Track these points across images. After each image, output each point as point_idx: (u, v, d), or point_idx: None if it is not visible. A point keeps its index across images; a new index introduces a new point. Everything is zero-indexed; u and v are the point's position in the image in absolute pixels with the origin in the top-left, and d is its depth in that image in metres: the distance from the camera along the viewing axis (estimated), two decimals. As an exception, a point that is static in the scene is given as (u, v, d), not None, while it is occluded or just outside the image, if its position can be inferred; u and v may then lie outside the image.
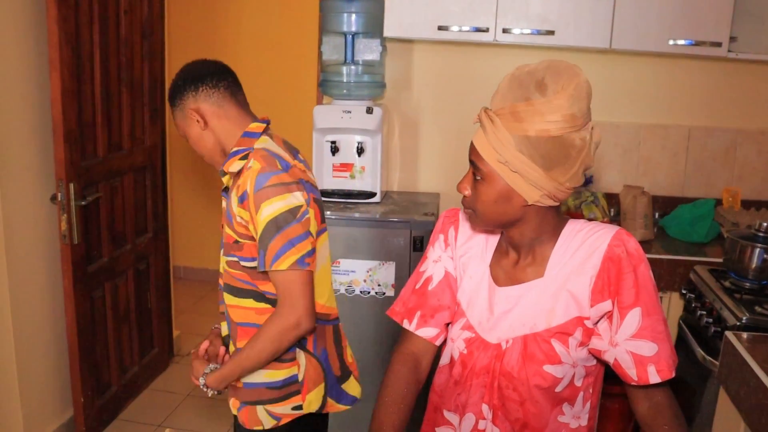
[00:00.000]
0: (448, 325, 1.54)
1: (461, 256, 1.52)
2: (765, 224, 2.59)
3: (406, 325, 1.55)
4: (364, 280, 3.05)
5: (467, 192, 1.37)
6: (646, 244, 3.06)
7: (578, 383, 1.43)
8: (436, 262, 1.55)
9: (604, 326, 1.37)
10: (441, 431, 1.55)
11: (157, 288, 4.04)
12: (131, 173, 3.66)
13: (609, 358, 1.37)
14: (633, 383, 1.37)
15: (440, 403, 1.56)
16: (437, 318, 1.53)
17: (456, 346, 1.49)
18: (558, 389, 1.40)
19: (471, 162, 1.34)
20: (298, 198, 1.76)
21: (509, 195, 1.32)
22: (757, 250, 2.52)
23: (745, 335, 2.14)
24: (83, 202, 3.14)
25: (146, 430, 3.55)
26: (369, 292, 3.07)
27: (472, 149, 1.33)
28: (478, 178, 1.33)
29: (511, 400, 1.42)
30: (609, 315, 1.35)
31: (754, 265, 2.53)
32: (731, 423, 2.09)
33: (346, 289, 3.08)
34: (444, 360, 1.55)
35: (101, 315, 3.45)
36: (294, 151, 1.96)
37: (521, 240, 1.41)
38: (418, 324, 1.53)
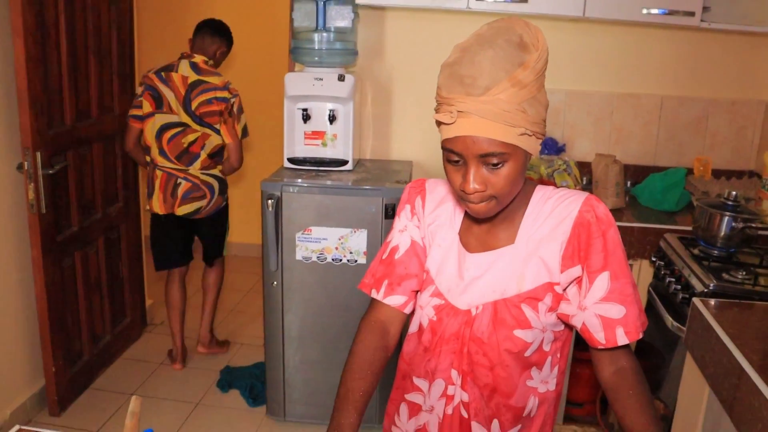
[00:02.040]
0: (416, 293, 1.53)
1: (429, 224, 1.51)
2: (734, 193, 2.61)
3: (374, 294, 1.54)
4: (336, 248, 3.05)
5: (482, 187, 1.27)
6: (617, 212, 3.08)
7: (547, 348, 1.44)
8: (402, 232, 1.54)
9: (573, 291, 1.37)
10: (410, 397, 1.55)
11: (129, 257, 4.00)
12: (100, 142, 3.60)
13: (577, 322, 1.38)
14: (600, 347, 1.37)
15: (409, 371, 1.56)
16: (404, 286, 1.52)
17: (425, 314, 1.49)
18: (527, 354, 1.41)
19: (480, 156, 1.24)
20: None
21: (526, 161, 1.30)
22: (726, 219, 2.54)
23: (712, 302, 2.17)
24: (51, 171, 3.09)
25: (120, 399, 3.55)
26: (341, 260, 3.07)
27: (477, 143, 1.23)
28: (497, 163, 1.25)
29: (481, 366, 1.42)
30: (578, 280, 1.36)
31: (722, 234, 2.56)
32: (697, 387, 2.13)
33: (317, 257, 3.07)
34: (413, 327, 1.55)
35: (72, 284, 3.42)
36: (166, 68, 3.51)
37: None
38: (386, 292, 1.52)
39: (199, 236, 3.86)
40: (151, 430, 1.28)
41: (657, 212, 3.19)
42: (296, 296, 3.14)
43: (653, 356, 2.72)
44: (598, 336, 1.36)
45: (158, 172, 3.54)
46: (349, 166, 3.27)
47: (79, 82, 3.36)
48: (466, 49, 1.23)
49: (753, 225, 2.57)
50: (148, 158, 3.61)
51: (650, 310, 2.78)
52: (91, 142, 3.51)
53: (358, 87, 3.34)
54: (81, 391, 3.58)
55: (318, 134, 3.28)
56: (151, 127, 3.49)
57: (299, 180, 3.06)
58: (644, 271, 2.94)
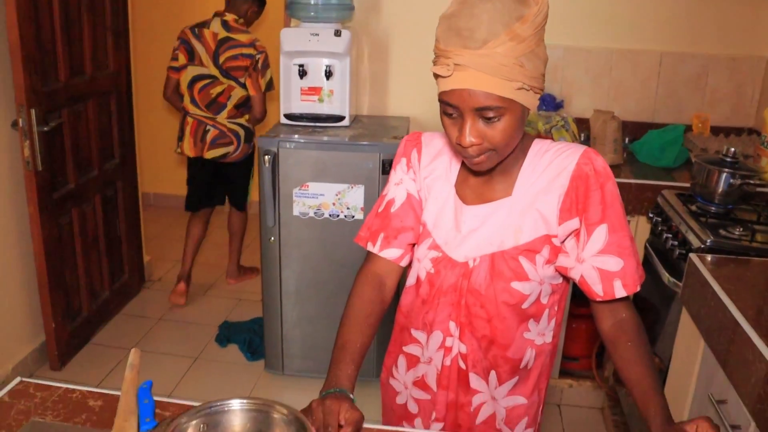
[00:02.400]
0: (413, 246, 1.54)
1: (425, 177, 1.50)
2: (733, 150, 2.60)
3: (369, 247, 1.54)
4: (333, 204, 3.05)
5: (478, 140, 1.26)
6: (615, 169, 3.08)
7: (544, 301, 1.45)
8: (397, 185, 1.53)
9: (571, 244, 1.38)
10: (408, 349, 1.57)
11: (126, 214, 4.00)
12: (95, 98, 3.57)
13: (575, 275, 1.38)
14: (598, 299, 1.38)
15: (407, 323, 1.57)
16: (400, 239, 1.52)
17: (423, 266, 1.49)
18: (524, 306, 1.42)
19: (476, 110, 1.23)
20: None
21: (524, 115, 1.29)
22: (724, 175, 2.54)
23: (708, 257, 2.18)
24: (45, 128, 3.07)
25: (119, 354, 3.58)
26: (338, 216, 3.07)
27: (473, 96, 1.21)
28: (492, 117, 1.23)
29: (478, 318, 1.43)
30: (576, 233, 1.36)
31: (720, 190, 2.55)
32: (692, 342, 2.15)
33: (315, 213, 3.07)
34: (410, 280, 1.55)
35: (69, 241, 3.42)
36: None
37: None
38: (382, 245, 1.52)
39: (226, 181, 4.13)
40: (150, 382, 1.29)
41: (655, 169, 3.18)
42: (294, 252, 3.15)
43: (649, 312, 2.74)
44: (596, 288, 1.37)
45: (189, 119, 3.88)
46: (345, 122, 3.25)
47: (73, 39, 3.32)
48: (465, 2, 1.21)
49: (751, 182, 2.56)
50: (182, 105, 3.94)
51: (647, 266, 2.78)
52: (86, 99, 3.49)
53: (355, 42, 3.31)
54: (81, 346, 3.61)
55: (314, 90, 3.26)
56: (184, 78, 3.83)
57: (296, 136, 3.04)
58: (641, 227, 2.95)
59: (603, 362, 3.28)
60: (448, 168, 1.49)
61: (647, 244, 2.78)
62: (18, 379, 1.37)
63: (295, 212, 3.08)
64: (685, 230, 2.44)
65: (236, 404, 1.19)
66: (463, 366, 1.48)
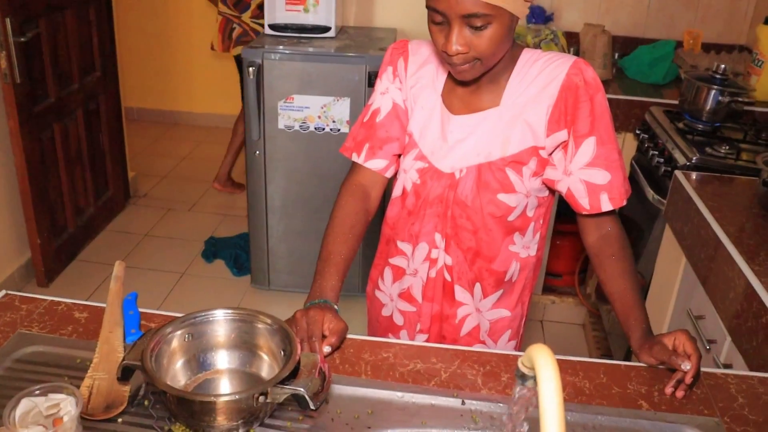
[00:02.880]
0: (398, 157, 1.53)
1: (412, 86, 1.47)
2: (723, 66, 2.57)
3: (354, 158, 1.53)
4: (319, 117, 3.01)
5: (465, 48, 1.24)
6: (603, 84, 3.03)
7: (530, 213, 1.45)
8: (383, 94, 1.50)
9: (558, 156, 1.37)
10: (394, 261, 1.58)
11: (109, 129, 3.94)
12: (73, 8, 3.46)
13: (562, 187, 1.38)
14: (585, 212, 1.39)
15: (393, 235, 1.57)
16: (386, 149, 1.50)
17: (409, 177, 1.48)
18: (510, 218, 1.42)
19: (464, 17, 1.20)
20: None
21: (513, 24, 1.26)
22: (713, 92, 2.52)
23: (693, 175, 2.18)
24: (23, 39, 2.99)
25: (106, 270, 3.59)
26: (323, 129, 3.04)
27: (460, 3, 1.18)
28: (479, 26, 1.21)
29: (464, 229, 1.44)
30: (564, 145, 1.36)
31: (708, 107, 2.54)
32: (673, 258, 2.17)
33: (300, 126, 3.03)
34: (396, 192, 1.54)
35: (52, 156, 3.38)
36: None
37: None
38: (367, 156, 1.51)
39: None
40: (135, 293, 1.29)
41: (644, 85, 3.15)
42: (279, 166, 3.13)
43: (632, 230, 2.76)
44: (583, 202, 1.37)
45: (219, 17, 3.98)
46: (331, 33, 3.18)
47: (48, -57, 3.20)
48: None
49: (740, 99, 2.54)
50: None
51: (632, 183, 2.77)
52: (64, 8, 3.38)
53: (341, -49, 3.21)
54: (67, 262, 3.62)
55: None
56: None
57: (281, 47, 2.98)
58: (628, 144, 2.94)
59: (585, 279, 3.33)
60: (435, 77, 1.46)
61: (633, 162, 2.78)
62: (3, 292, 1.37)
63: (281, 125, 3.04)
64: (672, 147, 2.44)
65: (220, 314, 1.18)
66: (448, 278, 1.49)
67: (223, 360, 1.18)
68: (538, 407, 0.64)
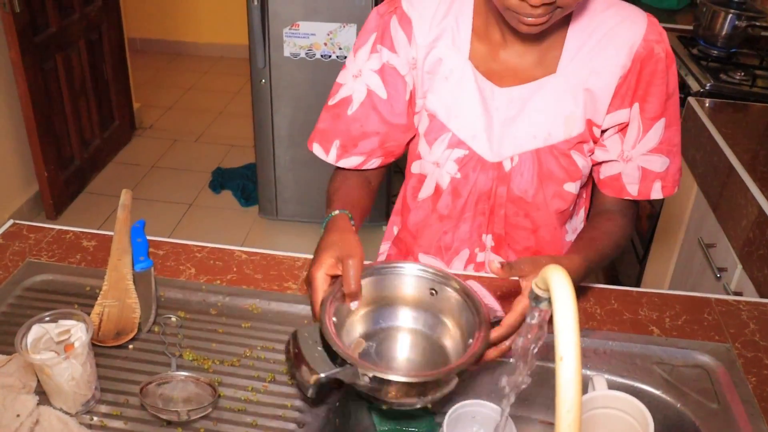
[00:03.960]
0: (380, 148, 1.23)
1: (427, 53, 1.15)
2: (739, -11, 2.51)
3: (319, 153, 1.25)
4: (325, 44, 2.95)
5: None
6: (616, 11, 2.97)
7: (582, 195, 1.29)
8: (356, 78, 1.20)
9: (614, 139, 1.16)
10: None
11: (113, 59, 3.89)
12: (73, -67, 3.38)
13: (609, 171, 1.20)
14: (627, 197, 1.20)
15: (413, 245, 1.34)
16: (362, 146, 1.22)
17: (445, 172, 1.20)
18: (571, 207, 1.23)
19: None
20: None
21: None
22: (730, 17, 2.45)
23: (707, 101, 2.15)
24: (22, -35, 2.92)
25: (114, 202, 3.56)
26: (330, 56, 2.98)
27: None
28: None
29: (521, 228, 1.23)
30: (623, 126, 1.15)
31: (724, 32, 2.48)
32: (685, 186, 2.15)
33: (306, 53, 2.98)
34: (425, 192, 1.26)
35: (56, 88, 3.34)
36: None
37: None
38: (338, 155, 1.23)
39: None
40: (143, 221, 1.28)
41: (658, 10, 3.07)
42: (285, 94, 3.09)
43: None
44: (631, 188, 1.19)
45: None
46: (337, -41, 3.10)
47: None
48: None
49: (757, 24, 2.48)
50: None
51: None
52: (63, -66, 3.30)
53: None
54: (75, 195, 3.62)
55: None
56: None
57: (286, -28, 2.90)
58: (640, 71, 2.88)
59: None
60: (456, 35, 1.14)
61: (645, 89, 2.74)
62: (11, 222, 1.37)
63: (286, 53, 2.99)
64: (685, 74, 2.39)
65: (412, 269, 1.02)
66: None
67: (405, 317, 1.03)
68: (551, 329, 0.64)
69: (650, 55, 1.09)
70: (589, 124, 1.14)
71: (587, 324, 1.17)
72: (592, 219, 1.23)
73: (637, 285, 2.49)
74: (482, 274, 1.29)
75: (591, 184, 1.29)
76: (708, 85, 2.25)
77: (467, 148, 1.16)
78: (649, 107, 1.12)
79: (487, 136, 1.15)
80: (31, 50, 3.09)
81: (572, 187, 1.18)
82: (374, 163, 1.24)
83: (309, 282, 0.96)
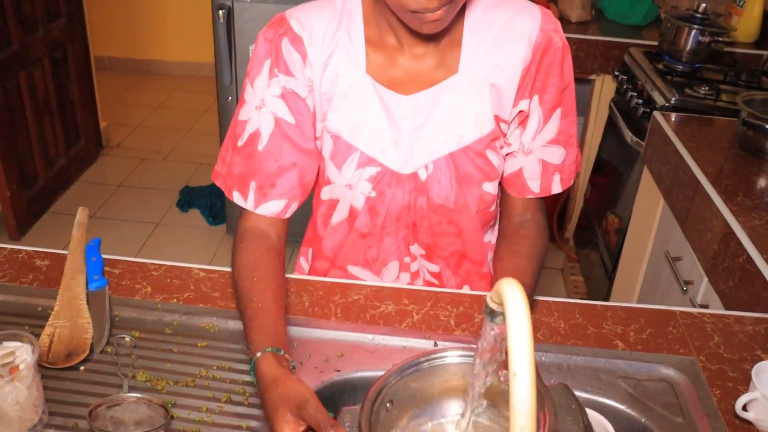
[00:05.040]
0: (300, 185, 1.16)
1: (323, 72, 1.11)
2: (704, 5, 2.52)
3: (237, 200, 1.15)
4: None
5: None
6: (582, 26, 2.99)
7: (498, 193, 1.25)
8: (259, 109, 1.12)
9: (515, 132, 1.16)
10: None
11: (78, 77, 3.84)
12: (36, -50, 3.34)
13: (512, 167, 1.17)
14: (531, 196, 1.18)
15: (336, 263, 1.29)
16: (280, 185, 1.13)
17: (358, 193, 1.16)
18: (492, 208, 1.22)
19: None
20: None
21: None
22: (693, 32, 2.48)
23: (672, 116, 2.15)
24: (-17, -18, 2.88)
25: (78, 222, 3.53)
26: None
27: None
28: None
29: (447, 235, 1.21)
30: (524, 117, 1.14)
31: (688, 48, 2.50)
32: (652, 200, 2.16)
33: None
34: (338, 216, 1.22)
35: (19, 106, 3.28)
36: None
37: None
38: (257, 200, 1.14)
39: None
40: (98, 240, 1.25)
41: (623, 26, 3.09)
42: (253, 115, 3.06)
43: (611, 174, 2.74)
44: (533, 184, 1.17)
45: None
46: (304, -23, 3.09)
47: None
48: None
49: (720, 39, 2.51)
50: None
51: (611, 126, 2.76)
52: (26, -50, 3.26)
53: None
54: (39, 214, 3.55)
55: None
56: None
57: None
58: (606, 86, 2.90)
59: (564, 224, 3.31)
60: (349, 50, 1.10)
61: (612, 104, 2.75)
62: (-38, 241, 1.32)
63: (253, 73, 2.97)
64: (651, 89, 2.40)
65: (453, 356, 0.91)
66: (436, 282, 1.28)
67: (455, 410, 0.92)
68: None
69: (549, 44, 1.10)
70: (497, 119, 1.12)
71: (551, 338, 1.15)
72: (508, 239, 1.18)
73: (606, 300, 2.48)
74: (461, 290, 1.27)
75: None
76: (673, 99, 2.26)
77: (379, 165, 1.13)
78: (547, 97, 1.12)
79: (396, 148, 1.12)
80: (-7, 68, 3.04)
81: (490, 187, 1.17)
82: (293, 208, 1.16)
83: None
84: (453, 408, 0.91)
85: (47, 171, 3.59)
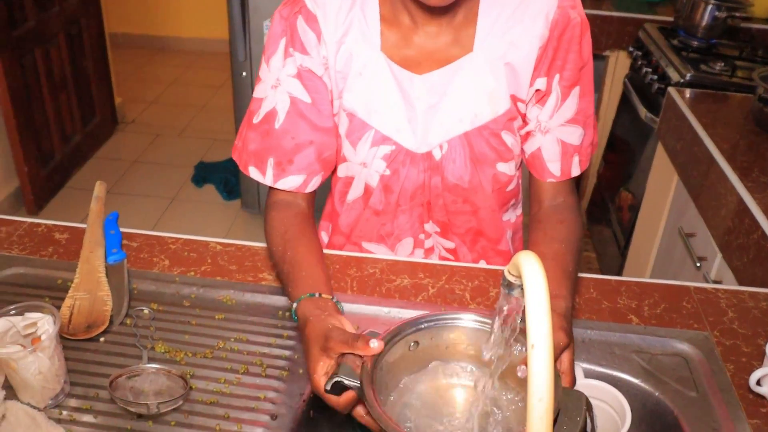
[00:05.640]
0: (320, 160, 1.17)
1: (337, 50, 1.10)
2: (720, -21, 2.51)
3: (256, 176, 1.16)
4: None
5: None
6: (596, 1, 2.97)
7: (518, 174, 1.25)
8: (275, 88, 1.13)
9: (534, 111, 1.14)
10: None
11: (93, 54, 3.85)
12: (50, -76, 3.34)
13: (530, 147, 1.16)
14: (551, 179, 1.17)
15: (350, 238, 1.30)
16: (298, 161, 1.14)
17: (372, 171, 1.17)
18: (509, 188, 1.21)
19: None
20: None
21: None
22: (709, 7, 2.46)
23: (687, 92, 2.14)
24: (-2, -43, 2.89)
25: (94, 197, 3.56)
26: None
27: None
28: None
29: (462, 213, 1.21)
30: (542, 95, 1.12)
31: (704, 23, 2.48)
32: (665, 177, 2.15)
33: None
34: (354, 194, 1.23)
35: (35, 83, 3.30)
36: None
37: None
38: (275, 176, 1.15)
39: None
40: (116, 213, 1.26)
41: (637, 1, 3.07)
42: (267, 91, 3.06)
43: (624, 151, 2.73)
44: (553, 167, 1.15)
45: None
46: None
47: None
48: None
49: (737, 15, 2.49)
50: None
51: (625, 102, 2.75)
52: (40, -74, 3.26)
53: None
54: (56, 190, 3.58)
55: None
56: None
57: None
58: (621, 62, 2.88)
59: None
60: (364, 27, 1.10)
61: (626, 80, 2.73)
62: (-17, 215, 1.34)
63: (267, 48, 2.97)
64: (666, 64, 2.39)
65: (468, 320, 0.92)
66: (451, 258, 1.29)
67: (454, 376, 0.94)
68: (524, 317, 0.63)
69: (566, 21, 1.08)
70: (514, 99, 1.11)
71: (565, 313, 1.16)
72: (543, 224, 1.15)
73: (619, 276, 2.49)
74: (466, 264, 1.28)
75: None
76: (688, 75, 2.25)
77: (393, 143, 1.13)
78: (566, 75, 1.10)
79: (411, 127, 1.12)
80: (9, 45, 3.05)
81: (506, 168, 1.16)
82: (315, 182, 1.17)
83: (320, 394, 0.87)
84: (463, 369, 0.94)
85: (64, 147, 3.62)
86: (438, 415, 0.89)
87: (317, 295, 0.98)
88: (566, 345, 0.87)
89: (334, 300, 0.99)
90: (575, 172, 1.17)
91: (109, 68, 4.08)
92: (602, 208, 2.90)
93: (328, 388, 0.84)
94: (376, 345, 0.83)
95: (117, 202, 3.44)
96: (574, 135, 1.14)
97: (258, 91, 1.15)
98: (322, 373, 0.86)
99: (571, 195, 1.19)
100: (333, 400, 0.85)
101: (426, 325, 0.91)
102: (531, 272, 0.63)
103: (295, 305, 0.98)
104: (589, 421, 0.75)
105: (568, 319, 0.92)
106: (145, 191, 3.64)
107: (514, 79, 1.10)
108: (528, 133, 1.16)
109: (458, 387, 0.92)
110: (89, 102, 3.88)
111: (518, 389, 0.88)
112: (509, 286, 0.73)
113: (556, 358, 0.85)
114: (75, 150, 3.74)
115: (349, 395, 0.85)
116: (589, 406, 0.76)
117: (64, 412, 0.95)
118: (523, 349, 0.79)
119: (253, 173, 1.16)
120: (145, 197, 3.59)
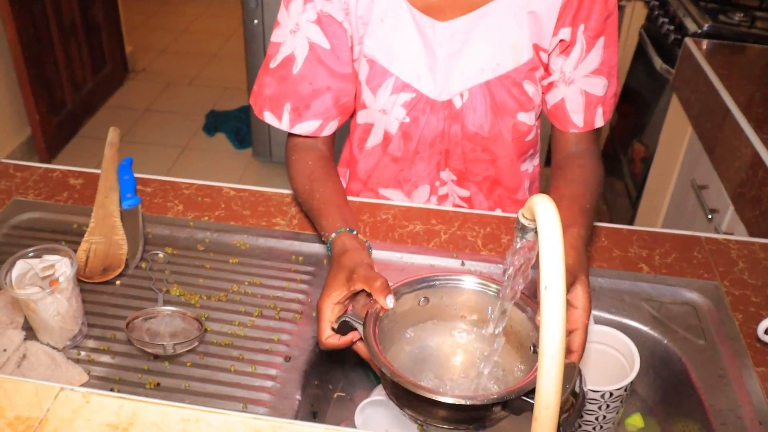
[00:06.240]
0: (337, 106, 1.15)
1: None
2: (741, -74, 2.45)
3: (271, 121, 1.15)
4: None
5: None
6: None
7: (537, 123, 1.24)
8: (294, 33, 1.10)
9: (557, 61, 1.12)
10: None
11: (103, 1, 3.82)
12: None
13: (553, 98, 1.15)
14: (574, 130, 1.15)
15: (367, 184, 1.30)
16: (315, 107, 1.13)
17: (392, 118, 1.16)
18: (528, 138, 1.20)
19: None
20: None
21: None
22: (730, -46, 2.41)
23: (704, 42, 2.11)
24: None
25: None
26: None
27: None
28: None
29: (481, 162, 1.21)
30: (566, 45, 1.10)
31: (724, -29, 2.43)
32: (679, 128, 2.14)
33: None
34: (373, 140, 1.22)
35: (45, 31, 3.29)
36: None
37: None
38: (291, 120, 1.14)
39: None
40: (130, 159, 1.27)
41: (657, -50, 3.01)
42: (278, 39, 3.03)
43: (638, 101, 2.70)
44: (576, 118, 1.14)
45: None
46: None
47: None
48: None
49: (757, -37, 2.44)
50: None
51: (640, 53, 2.72)
52: None
53: None
54: (68, 138, 3.59)
55: None
56: None
57: None
58: (637, 12, 2.83)
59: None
60: None
61: (642, 30, 2.69)
62: (-4, 159, 1.35)
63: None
64: (683, 14, 2.35)
65: (470, 282, 0.92)
66: (465, 206, 1.30)
67: (459, 336, 0.94)
68: (537, 261, 0.63)
69: None
70: (536, 48, 1.10)
71: (576, 261, 1.17)
72: (563, 169, 1.14)
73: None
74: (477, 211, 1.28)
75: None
76: (706, 26, 2.22)
77: (414, 91, 1.12)
78: (591, 25, 1.08)
79: (432, 75, 1.11)
80: (19, -9, 3.03)
81: (526, 118, 1.15)
82: (332, 126, 1.16)
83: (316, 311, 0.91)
84: (468, 331, 0.94)
85: (75, 95, 3.61)
86: (435, 367, 0.90)
87: (355, 233, 1.00)
88: (574, 270, 0.88)
89: (367, 244, 1.01)
90: (599, 123, 1.15)
91: (120, 16, 4.05)
92: (614, 160, 2.88)
93: (335, 326, 0.87)
94: (389, 302, 0.86)
95: (128, 151, 3.40)
96: (599, 86, 1.12)
97: (276, 35, 1.13)
98: (333, 302, 0.89)
99: (593, 143, 1.18)
100: (332, 335, 0.89)
101: (439, 283, 0.92)
102: (545, 214, 0.63)
103: (333, 235, 1.00)
104: (580, 384, 0.77)
105: (578, 248, 0.92)
106: (156, 140, 3.65)
107: (538, 29, 1.08)
108: (550, 84, 1.14)
109: (460, 346, 0.93)
110: (100, 50, 3.86)
111: (521, 357, 0.89)
112: (523, 229, 0.73)
113: (568, 288, 0.85)
114: (86, 99, 3.74)
115: (351, 336, 0.89)
116: (580, 374, 0.77)
117: (83, 353, 0.97)
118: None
119: (268, 118, 1.15)
120: (157, 146, 3.59)
